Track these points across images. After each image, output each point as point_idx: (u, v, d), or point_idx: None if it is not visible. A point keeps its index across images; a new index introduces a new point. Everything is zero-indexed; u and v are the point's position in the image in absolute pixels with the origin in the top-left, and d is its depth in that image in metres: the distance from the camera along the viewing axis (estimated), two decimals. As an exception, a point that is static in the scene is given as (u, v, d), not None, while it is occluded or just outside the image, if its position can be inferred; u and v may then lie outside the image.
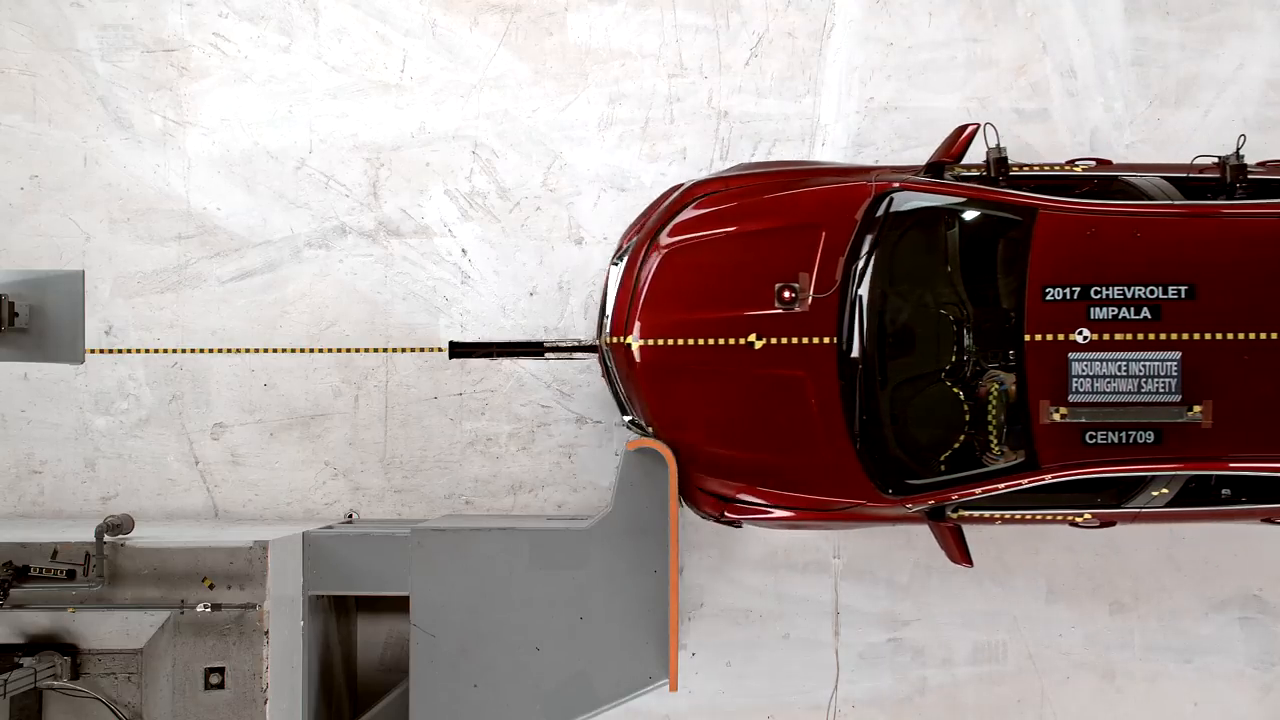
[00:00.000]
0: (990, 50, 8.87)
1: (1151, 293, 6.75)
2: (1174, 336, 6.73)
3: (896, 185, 7.19)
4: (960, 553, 7.36)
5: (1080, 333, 6.74)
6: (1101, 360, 6.73)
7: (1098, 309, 6.75)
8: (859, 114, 8.78)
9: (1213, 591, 8.75)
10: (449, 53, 8.89)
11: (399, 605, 7.77)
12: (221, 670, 7.11)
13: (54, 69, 8.88)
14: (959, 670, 8.75)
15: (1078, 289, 6.78)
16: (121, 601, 7.12)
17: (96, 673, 7.02)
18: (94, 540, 7.03)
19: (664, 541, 7.70)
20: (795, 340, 7.04)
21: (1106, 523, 7.28)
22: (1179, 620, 8.75)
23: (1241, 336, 6.73)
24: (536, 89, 8.87)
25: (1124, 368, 6.72)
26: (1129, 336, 6.73)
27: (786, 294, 7.02)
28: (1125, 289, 6.75)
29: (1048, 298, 6.79)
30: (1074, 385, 6.72)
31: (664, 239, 7.35)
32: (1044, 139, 8.79)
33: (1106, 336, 6.73)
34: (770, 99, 8.83)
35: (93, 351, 8.82)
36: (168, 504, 8.78)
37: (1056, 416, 6.70)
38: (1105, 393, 6.72)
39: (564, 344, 8.61)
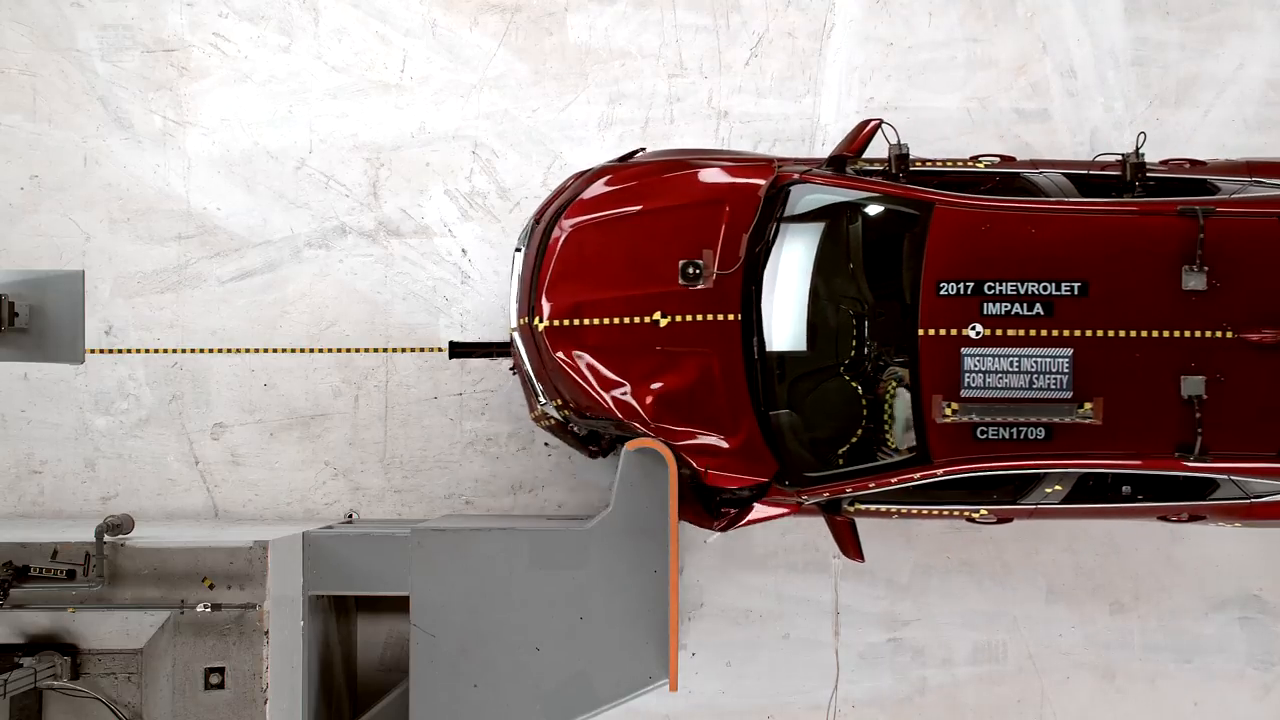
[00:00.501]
0: (990, 50, 8.87)
1: (1045, 289, 6.74)
2: (1066, 333, 6.72)
3: (797, 177, 7.20)
4: (853, 548, 7.35)
5: (973, 328, 6.73)
6: (994, 356, 6.72)
7: (991, 304, 6.75)
8: (859, 114, 8.78)
9: (1213, 591, 8.75)
10: (449, 53, 8.89)
11: (399, 605, 7.77)
12: (221, 670, 7.11)
13: (54, 69, 8.88)
14: (959, 670, 8.75)
15: (972, 284, 6.77)
16: (121, 601, 7.12)
17: (96, 673, 7.02)
18: (94, 540, 7.03)
19: (664, 541, 7.70)
20: (700, 317, 7.02)
21: (1004, 519, 7.27)
22: (1179, 620, 8.75)
23: (1133, 335, 6.73)
24: (536, 89, 8.87)
25: (1016, 364, 6.71)
26: (1022, 333, 6.72)
27: (691, 270, 6.99)
28: (1019, 285, 6.75)
29: (942, 292, 6.79)
30: (966, 381, 6.71)
31: (568, 220, 7.31)
32: (1044, 139, 8.79)
33: (999, 332, 6.72)
34: (770, 99, 8.84)
35: (93, 351, 8.82)
36: (168, 504, 8.79)
37: (948, 412, 6.68)
38: (997, 388, 6.70)
39: None
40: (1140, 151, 7.21)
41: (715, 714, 8.78)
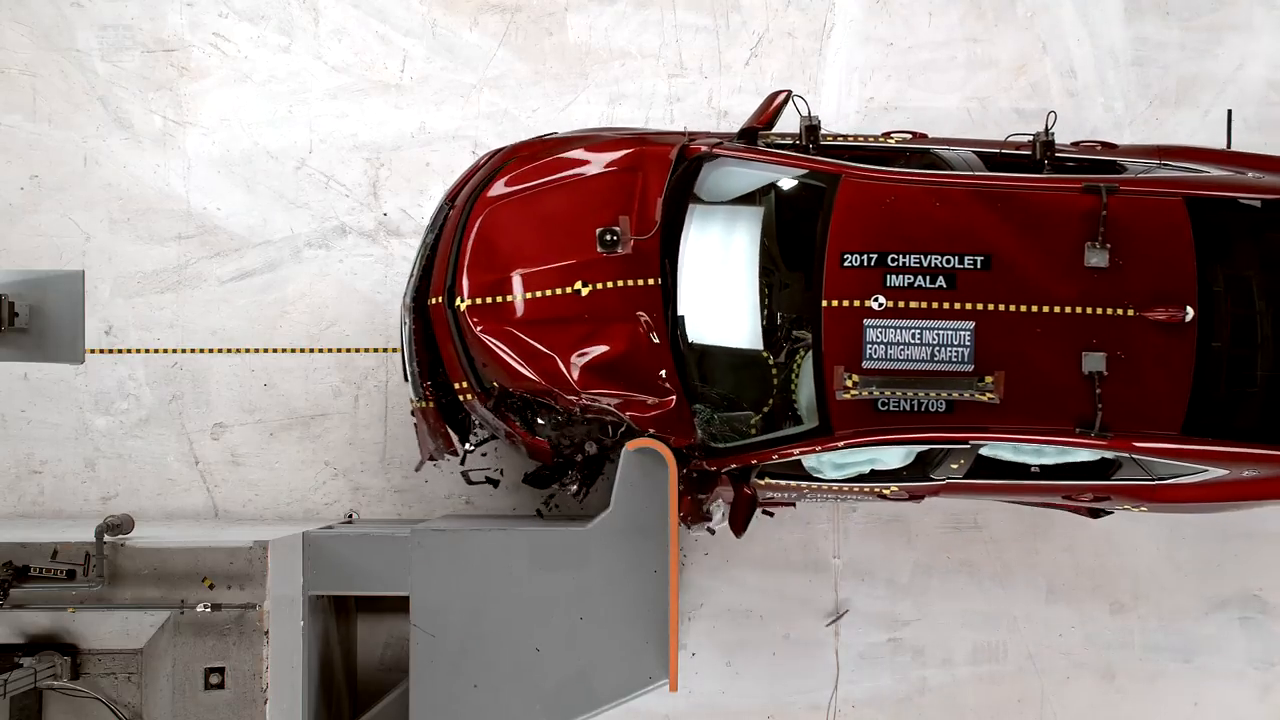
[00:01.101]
0: (990, 50, 8.87)
1: (948, 262, 6.73)
2: (968, 307, 6.70)
3: (706, 149, 7.21)
4: (740, 522, 7.30)
5: (876, 300, 6.71)
6: (896, 328, 6.70)
7: (894, 276, 6.73)
8: (859, 114, 8.78)
9: (1213, 591, 8.75)
10: (449, 53, 8.89)
11: (399, 605, 7.77)
12: (221, 670, 7.11)
13: (54, 69, 8.88)
14: (959, 670, 8.76)
15: (875, 256, 6.76)
16: (121, 601, 7.12)
17: (96, 673, 7.02)
18: (94, 540, 7.03)
19: (664, 541, 7.70)
20: (621, 283, 7.01)
21: (915, 496, 7.25)
22: (1179, 620, 8.75)
23: (1035, 310, 6.72)
24: (536, 89, 8.88)
25: (918, 336, 6.69)
26: (924, 305, 6.70)
27: (608, 237, 6.99)
28: (922, 258, 6.74)
29: (846, 264, 6.77)
30: (868, 352, 6.69)
31: (484, 197, 7.30)
32: (1044, 139, 8.80)
33: (902, 304, 6.71)
34: (770, 99, 8.84)
35: (93, 351, 8.82)
36: (168, 504, 8.79)
37: (849, 384, 6.66)
38: (899, 360, 6.69)
39: None
40: (1050, 131, 7.19)
41: (715, 714, 8.78)
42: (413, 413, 7.65)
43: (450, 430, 7.55)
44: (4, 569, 7.00)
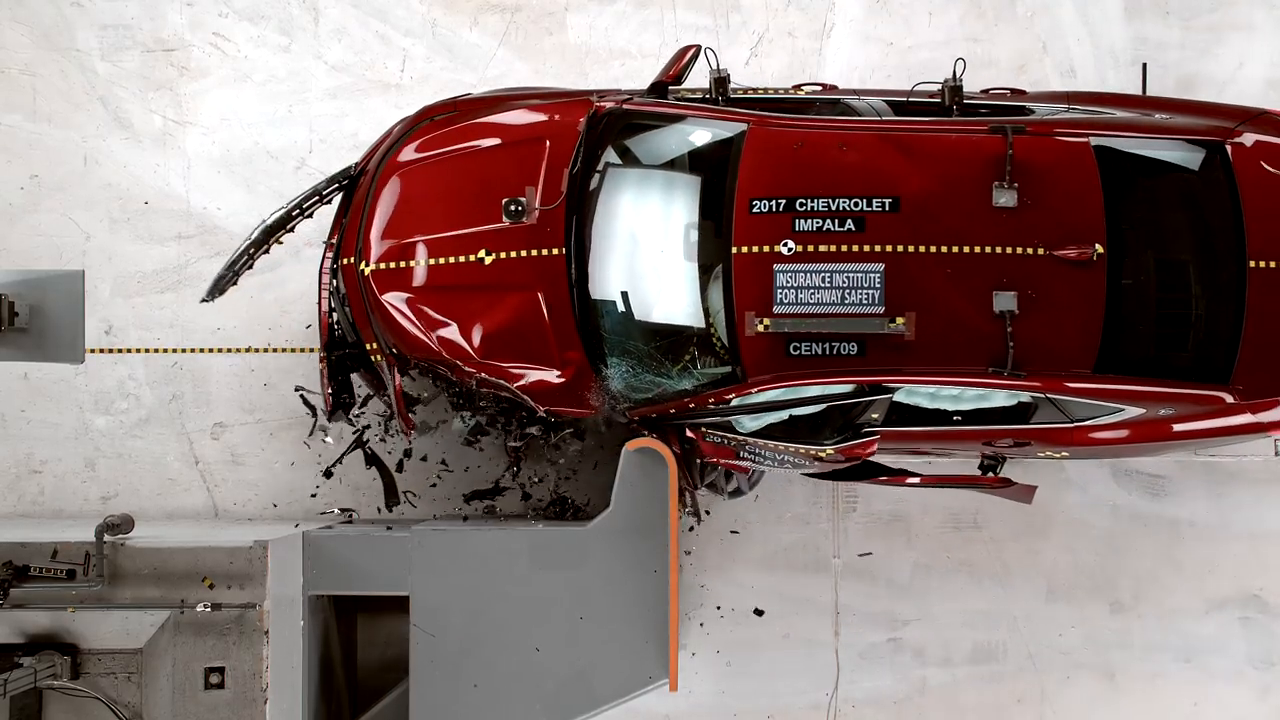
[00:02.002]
0: (990, 50, 8.87)
1: (856, 205, 6.74)
2: (878, 249, 6.70)
3: (614, 104, 7.22)
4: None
5: (785, 244, 6.72)
6: (806, 272, 6.70)
7: (803, 221, 6.74)
8: (859, 114, 8.78)
9: (1213, 591, 8.75)
10: (449, 52, 8.89)
11: (399, 605, 7.77)
12: (221, 670, 7.11)
13: (54, 69, 8.88)
14: (959, 670, 8.76)
15: (783, 201, 6.77)
16: (121, 601, 7.12)
17: (96, 672, 7.02)
18: (94, 540, 7.03)
19: (664, 541, 7.70)
20: (524, 253, 7.02)
21: (851, 457, 7.17)
22: (1179, 620, 8.75)
23: (944, 250, 6.73)
24: (536, 89, 8.88)
25: (828, 279, 6.69)
26: (833, 248, 6.70)
27: (513, 207, 7.01)
28: (830, 201, 6.74)
29: (755, 210, 6.79)
30: (779, 297, 6.68)
31: (393, 162, 7.32)
32: (1044, 139, 8.80)
33: (811, 248, 6.71)
34: (770, 99, 8.83)
35: (93, 351, 8.82)
36: (168, 504, 8.79)
37: (760, 328, 6.66)
38: (809, 304, 6.69)
39: None
40: (959, 78, 7.20)
41: (715, 714, 8.78)
42: (321, 370, 7.66)
43: (332, 391, 7.53)
44: (4, 569, 7.00)
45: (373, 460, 8.23)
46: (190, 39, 8.90)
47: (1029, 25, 8.88)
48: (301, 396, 8.52)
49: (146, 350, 8.83)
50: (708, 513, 8.72)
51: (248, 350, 8.81)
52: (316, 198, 7.57)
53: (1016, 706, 8.76)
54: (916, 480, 7.64)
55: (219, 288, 7.54)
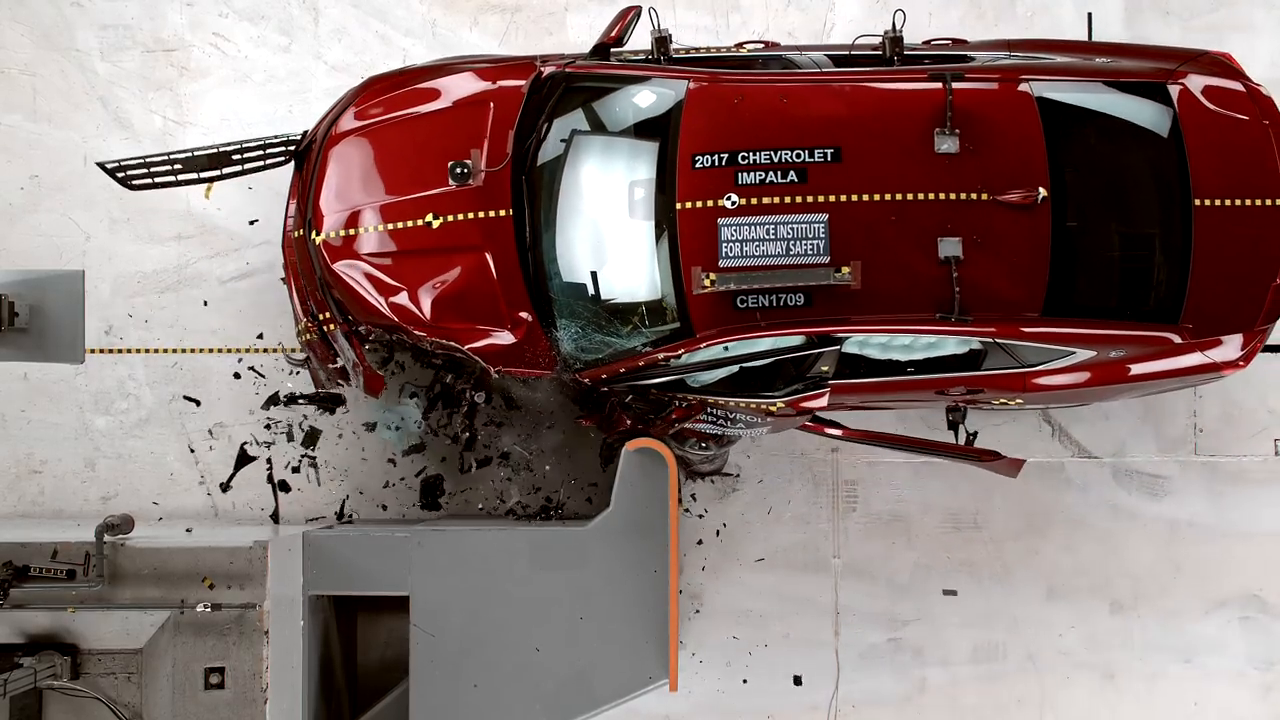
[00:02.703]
0: (990, 50, 8.87)
1: (798, 156, 6.75)
2: (821, 199, 6.71)
3: (557, 67, 7.25)
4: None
5: (729, 198, 6.73)
6: (750, 225, 6.70)
7: (745, 174, 6.75)
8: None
9: (1213, 591, 8.75)
10: (449, 52, 8.88)
11: (399, 605, 7.77)
12: (221, 670, 7.11)
13: (54, 69, 8.88)
14: (959, 670, 8.76)
15: (725, 155, 6.78)
16: (121, 601, 7.12)
17: (96, 673, 7.02)
18: (94, 540, 7.03)
19: (664, 541, 7.70)
20: (471, 215, 7.04)
21: (802, 412, 7.20)
22: (1179, 620, 8.75)
23: (888, 198, 6.74)
24: (536, 89, 8.87)
25: (772, 231, 6.69)
26: (776, 200, 6.71)
27: (459, 170, 7.03)
28: (772, 154, 6.76)
29: (697, 165, 6.80)
30: (724, 251, 6.70)
31: (339, 131, 7.34)
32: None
33: (755, 201, 6.72)
34: (770, 99, 8.83)
35: (93, 351, 8.82)
36: (168, 504, 8.79)
37: (706, 282, 6.66)
38: (754, 257, 6.70)
39: None
40: (898, 28, 7.23)
41: (715, 714, 8.78)
42: (302, 345, 7.70)
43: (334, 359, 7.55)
44: (4, 569, 7.00)
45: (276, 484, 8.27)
46: (190, 39, 8.90)
47: (1029, 25, 8.88)
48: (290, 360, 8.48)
49: (146, 350, 8.83)
50: (694, 498, 8.73)
51: (248, 350, 8.81)
52: (260, 152, 7.50)
53: (1016, 707, 8.76)
54: (902, 440, 7.65)
55: (125, 169, 7.42)
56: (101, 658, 7.02)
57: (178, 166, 7.39)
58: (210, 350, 8.82)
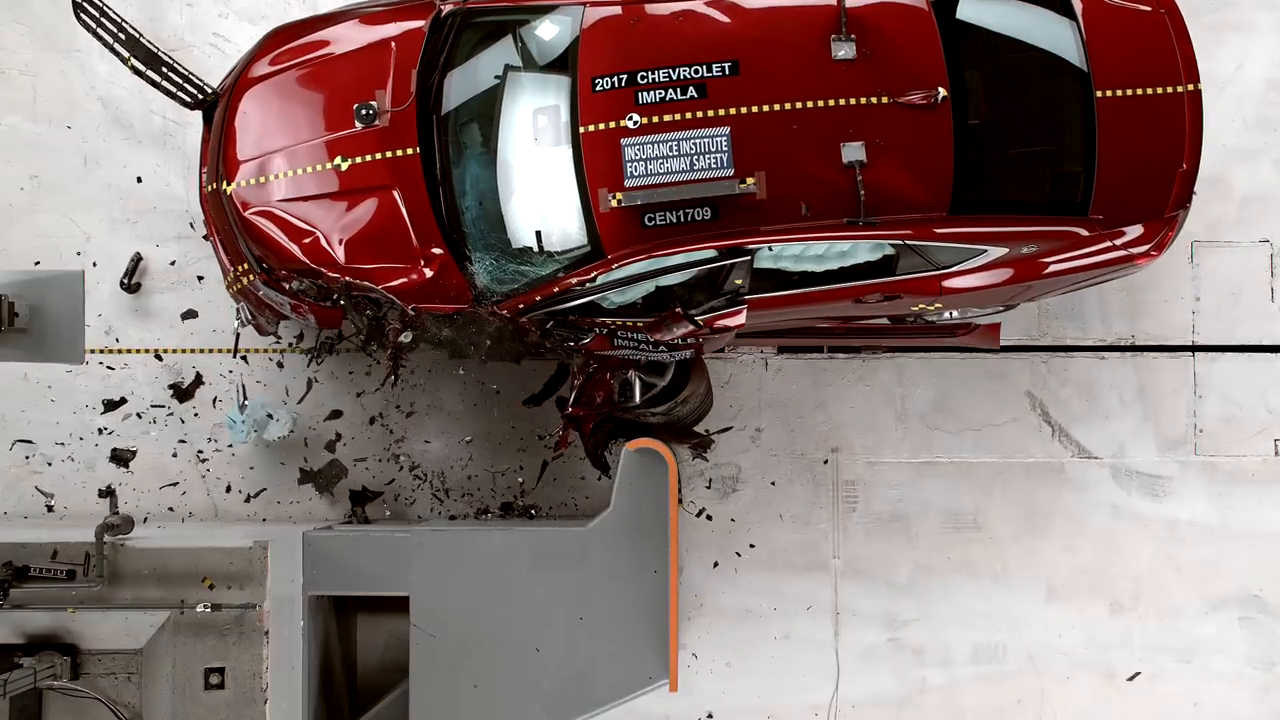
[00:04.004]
0: (990, 50, 8.86)
1: (696, 72, 6.81)
2: (721, 113, 6.76)
3: (456, 4, 7.28)
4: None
5: (630, 118, 6.78)
6: (653, 143, 6.75)
7: (645, 93, 6.81)
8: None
9: (1213, 591, 8.75)
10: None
11: (399, 605, 7.78)
12: (221, 670, 7.11)
13: (54, 69, 8.88)
14: (959, 670, 8.76)
15: (624, 76, 6.84)
16: (121, 601, 7.12)
17: (96, 673, 7.02)
18: (94, 540, 7.03)
19: (664, 541, 7.71)
20: (379, 156, 7.10)
21: (717, 331, 7.16)
22: (1179, 620, 8.75)
23: (788, 107, 6.78)
24: (536, 89, 8.86)
25: (675, 147, 6.74)
26: (677, 117, 6.76)
27: (364, 112, 7.09)
28: (670, 71, 6.81)
29: (597, 88, 6.86)
30: (629, 170, 6.74)
31: (244, 80, 7.40)
32: (1044, 139, 8.80)
33: (656, 119, 6.77)
34: (770, 99, 8.83)
35: (93, 351, 8.82)
36: (168, 504, 8.78)
37: (614, 202, 6.71)
38: (659, 174, 6.74)
39: None
40: None
41: (715, 714, 8.78)
42: (234, 297, 7.75)
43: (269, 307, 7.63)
44: (4, 569, 7.00)
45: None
46: (190, 39, 8.90)
47: None
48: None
49: (146, 350, 8.83)
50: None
51: (248, 350, 8.80)
52: (181, 80, 7.60)
53: (1016, 707, 8.76)
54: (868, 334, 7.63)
55: (88, 4, 7.59)
56: (101, 658, 7.03)
57: (122, 38, 7.58)
58: (210, 350, 8.82)
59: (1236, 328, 8.80)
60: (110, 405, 8.73)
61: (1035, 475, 8.75)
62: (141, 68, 7.60)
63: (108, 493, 8.46)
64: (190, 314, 8.78)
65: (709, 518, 8.77)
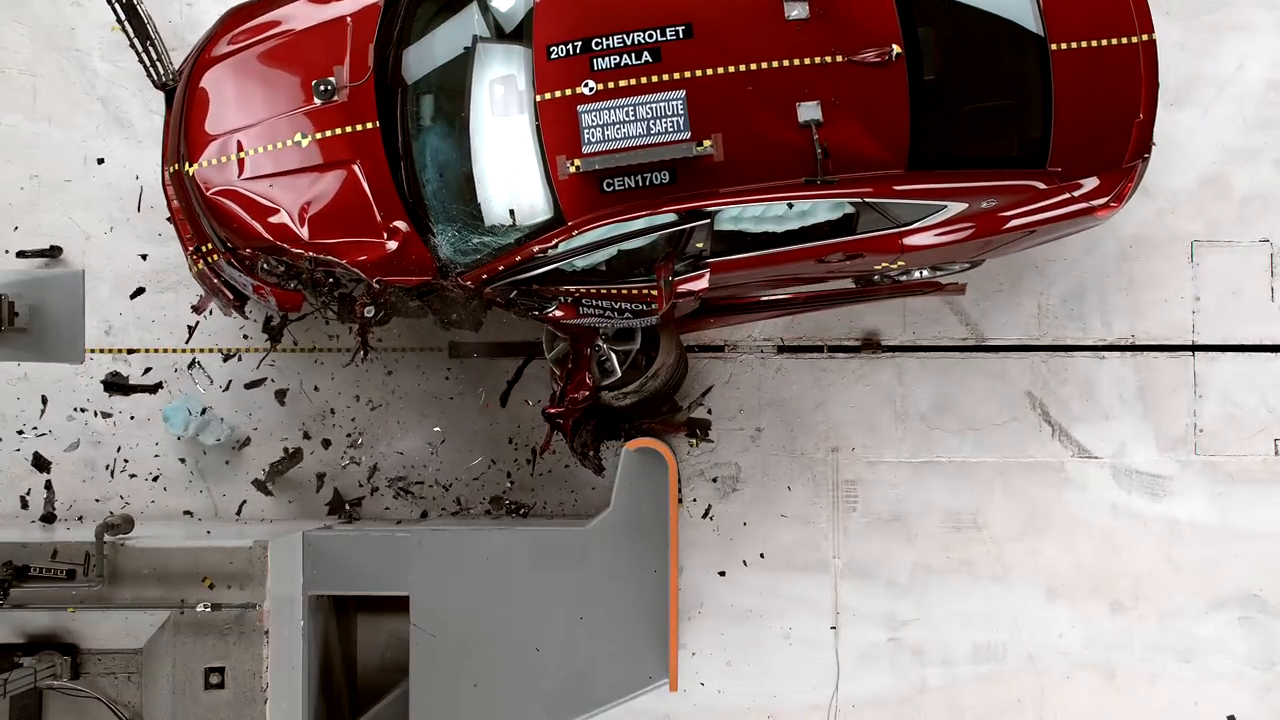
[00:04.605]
0: (990, 50, 8.85)
1: (650, 37, 6.83)
2: (676, 76, 6.79)
3: None
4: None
5: (586, 85, 6.81)
6: (609, 109, 6.78)
7: (600, 60, 6.83)
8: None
9: (1213, 591, 8.75)
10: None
11: (399, 605, 7.78)
12: (221, 670, 7.11)
13: (54, 69, 8.88)
14: (959, 670, 8.76)
15: (579, 43, 6.86)
16: (121, 601, 7.12)
17: (96, 673, 7.02)
18: (94, 540, 7.03)
19: (664, 541, 7.71)
20: (339, 131, 7.14)
21: (681, 296, 7.22)
22: (1179, 620, 8.75)
23: (743, 69, 6.81)
24: (536, 89, 8.86)
25: (631, 112, 6.77)
26: (633, 82, 6.80)
27: (322, 88, 7.13)
28: (625, 37, 6.84)
29: (552, 56, 6.88)
30: (586, 137, 6.77)
31: (203, 59, 7.45)
32: (1044, 139, 8.80)
33: (612, 85, 6.80)
34: (770, 99, 8.83)
35: (93, 351, 8.82)
36: (168, 504, 8.78)
37: (572, 169, 6.74)
38: (616, 140, 6.77)
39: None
40: None
41: (715, 714, 8.78)
42: (196, 279, 7.76)
43: (227, 289, 7.63)
44: (4, 569, 7.00)
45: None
46: (190, 39, 8.87)
47: None
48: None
49: (146, 350, 8.83)
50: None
51: (248, 351, 8.81)
52: (154, 49, 7.64)
53: (1016, 707, 8.76)
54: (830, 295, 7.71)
55: None
56: (101, 658, 7.03)
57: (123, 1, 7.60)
58: (211, 350, 8.82)
59: (1236, 328, 8.80)
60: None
61: (1035, 475, 8.75)
62: (130, 31, 7.61)
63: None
64: (191, 312, 8.79)
65: (711, 518, 8.77)
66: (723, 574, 8.74)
